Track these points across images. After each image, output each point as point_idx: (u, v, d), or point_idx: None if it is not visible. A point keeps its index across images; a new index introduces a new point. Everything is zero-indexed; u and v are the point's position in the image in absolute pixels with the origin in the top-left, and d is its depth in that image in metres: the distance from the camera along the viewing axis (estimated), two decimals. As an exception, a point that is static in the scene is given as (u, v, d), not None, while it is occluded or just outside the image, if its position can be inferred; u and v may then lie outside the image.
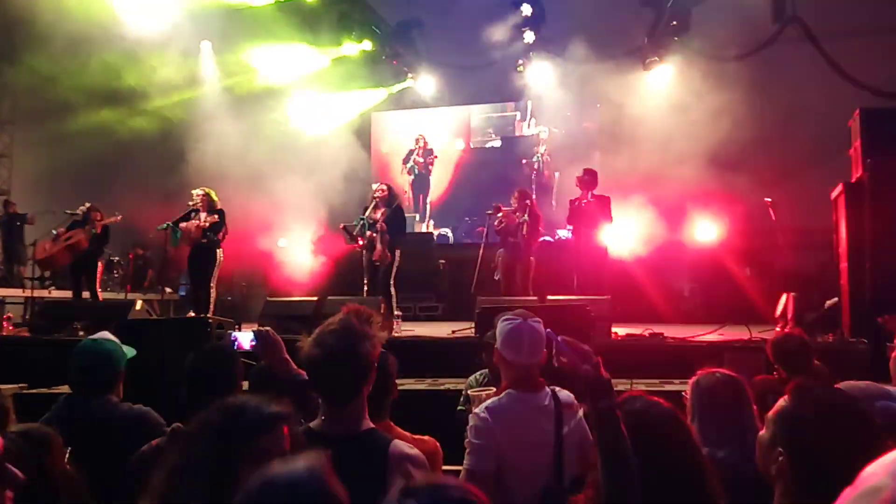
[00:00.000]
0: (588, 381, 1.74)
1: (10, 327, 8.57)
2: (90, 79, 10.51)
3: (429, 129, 14.43)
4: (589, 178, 8.75)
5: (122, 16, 9.99)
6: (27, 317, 9.69)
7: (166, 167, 11.23)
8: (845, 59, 10.52)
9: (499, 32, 12.38)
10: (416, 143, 14.44)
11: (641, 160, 10.61)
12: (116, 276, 12.31)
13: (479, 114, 14.29)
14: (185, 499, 1.34)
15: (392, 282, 8.56)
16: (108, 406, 2.84)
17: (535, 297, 7.56)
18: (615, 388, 1.89)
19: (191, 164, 10.69)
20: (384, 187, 8.75)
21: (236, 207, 10.02)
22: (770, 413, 1.74)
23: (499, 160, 13.93)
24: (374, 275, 8.62)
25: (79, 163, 11.41)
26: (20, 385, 5.81)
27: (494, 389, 2.80)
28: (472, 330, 6.75)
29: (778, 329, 6.46)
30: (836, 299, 6.70)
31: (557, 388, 2.58)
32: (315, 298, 7.76)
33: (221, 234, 8.57)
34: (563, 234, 11.49)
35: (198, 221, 8.47)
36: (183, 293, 12.10)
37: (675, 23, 11.66)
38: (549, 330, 1.89)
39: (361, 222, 8.55)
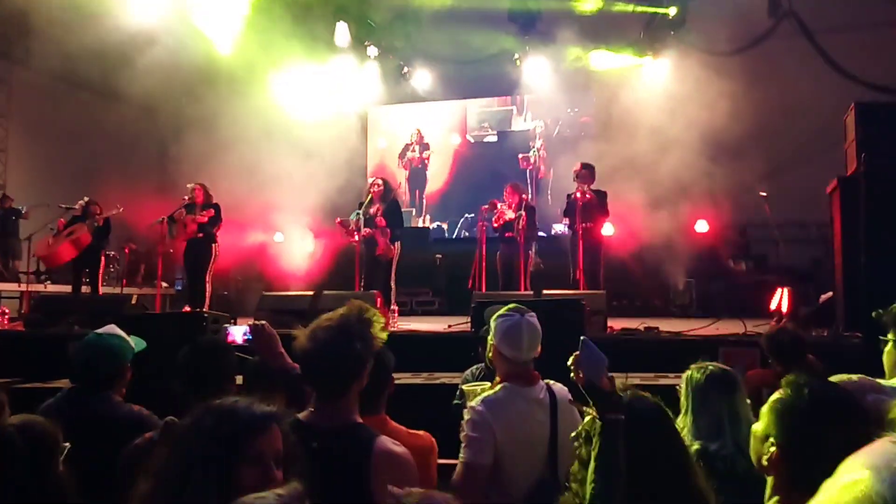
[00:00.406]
0: (600, 394, 1.77)
1: (5, 322, 8.56)
2: (84, 71, 10.48)
3: (425, 123, 14.42)
4: (586, 173, 8.75)
5: (115, 7, 9.95)
6: (23, 311, 9.67)
7: (159, 161, 11.20)
8: (840, 53, 10.54)
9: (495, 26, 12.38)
10: (412, 138, 14.43)
11: (637, 154, 10.62)
12: (113, 270, 12.29)
13: (474, 108, 14.28)
14: None
15: (393, 276, 8.58)
16: (109, 404, 2.80)
17: (531, 292, 7.57)
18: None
19: (184, 158, 10.66)
20: (380, 182, 8.75)
21: (232, 202, 10.01)
22: (764, 406, 1.75)
23: (495, 154, 13.93)
24: (371, 269, 8.62)
25: (73, 157, 11.39)
26: (14, 379, 5.80)
27: (489, 384, 2.81)
28: (469, 324, 6.75)
29: (773, 323, 6.48)
30: (830, 294, 6.72)
31: (552, 382, 2.59)
32: (311, 293, 7.75)
33: (217, 228, 8.56)
34: (560, 228, 11.51)
35: (193, 216, 8.47)
36: (179, 288, 12.10)
37: (671, 17, 11.70)
38: (585, 339, 1.91)
39: (357, 217, 8.55)
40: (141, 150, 12.04)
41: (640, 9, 11.76)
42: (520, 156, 13.73)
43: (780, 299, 6.83)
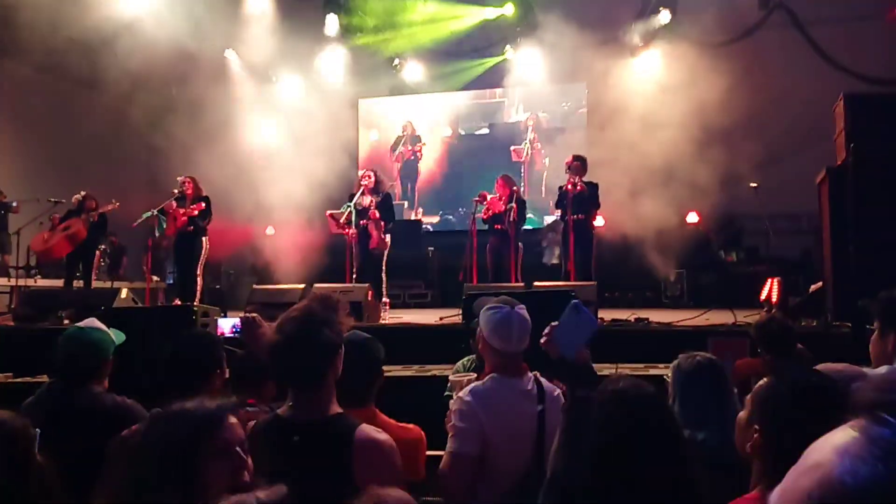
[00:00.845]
0: (573, 369, 1.76)
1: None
2: (73, 66, 10.41)
3: (416, 115, 14.39)
4: (577, 165, 8.76)
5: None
6: (13, 306, 9.62)
7: (149, 154, 11.15)
8: (831, 45, 10.56)
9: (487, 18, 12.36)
10: (404, 131, 14.40)
11: (629, 146, 10.62)
12: (103, 264, 12.24)
13: (466, 100, 14.25)
14: None
15: (384, 268, 8.59)
16: (91, 396, 2.81)
17: (521, 284, 7.58)
18: (599, 373, 1.91)
19: (174, 151, 10.62)
20: (370, 174, 8.74)
21: (223, 195, 9.98)
22: (749, 394, 1.76)
23: (487, 147, 13.91)
24: (362, 262, 8.63)
25: (61, 150, 11.32)
26: (5, 374, 5.79)
27: (476, 375, 2.81)
28: (460, 317, 6.76)
29: (763, 313, 6.51)
30: (820, 284, 6.76)
31: (539, 374, 2.59)
32: (301, 286, 7.75)
33: (207, 221, 8.54)
34: (552, 220, 11.52)
35: (183, 209, 8.44)
36: (171, 281, 12.05)
37: (662, 8, 11.69)
38: (577, 301, 1.88)
39: (349, 209, 8.54)
40: (130, 142, 11.96)
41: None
42: (511, 148, 13.71)
43: (770, 289, 6.87)
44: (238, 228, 11.54)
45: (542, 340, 1.83)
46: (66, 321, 6.98)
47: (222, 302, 10.09)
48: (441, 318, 7.52)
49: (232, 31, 12.01)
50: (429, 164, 14.27)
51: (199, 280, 8.57)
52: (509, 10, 12.58)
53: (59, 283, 9.73)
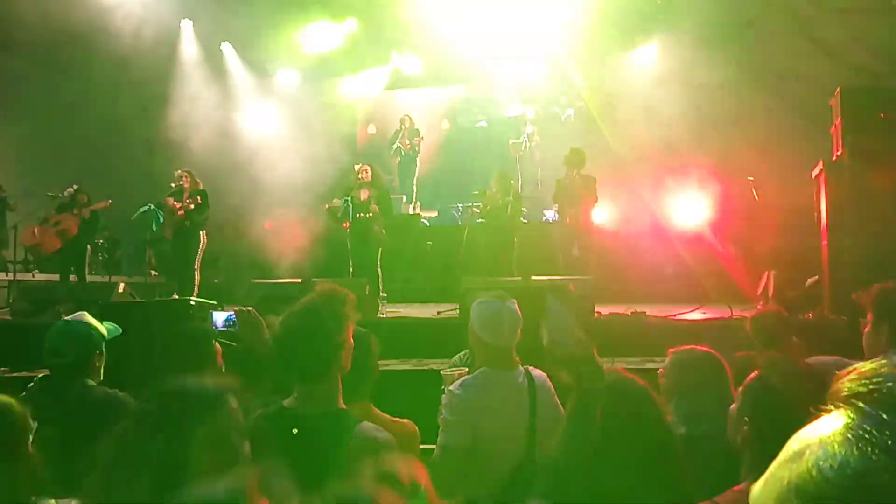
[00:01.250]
0: (579, 363, 1.76)
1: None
2: (69, 60, 10.39)
3: (414, 109, 14.34)
4: (575, 158, 8.75)
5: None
6: (10, 300, 9.62)
7: (146, 147, 11.13)
8: (828, 37, 10.53)
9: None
10: (402, 124, 14.35)
11: (626, 139, 10.63)
12: (100, 259, 12.22)
13: (464, 94, 14.21)
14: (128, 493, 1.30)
15: (379, 262, 8.59)
16: (81, 389, 2.81)
17: (518, 277, 7.59)
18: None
19: (172, 145, 10.60)
20: (367, 168, 8.72)
21: (221, 189, 9.97)
22: (741, 387, 1.77)
23: (485, 140, 13.89)
24: (360, 256, 8.62)
25: (59, 144, 11.30)
26: (1, 369, 5.79)
27: (466, 369, 2.81)
28: (457, 311, 6.77)
29: (759, 307, 6.51)
30: (816, 277, 6.76)
31: (531, 367, 2.60)
32: (300, 280, 7.75)
33: (205, 215, 8.53)
34: (549, 214, 11.52)
35: (181, 203, 8.43)
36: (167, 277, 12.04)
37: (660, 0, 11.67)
38: (551, 297, 1.89)
39: (346, 204, 8.53)
40: (127, 135, 11.93)
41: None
42: (510, 142, 13.69)
43: (766, 283, 6.87)
44: (236, 222, 11.53)
45: (544, 342, 1.85)
46: (63, 316, 6.98)
47: (220, 296, 10.09)
48: (439, 312, 7.53)
49: (228, 24, 11.98)
50: (427, 157, 14.23)
51: (197, 274, 8.56)
52: None
53: (57, 278, 9.72)
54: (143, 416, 1.45)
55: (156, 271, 11.92)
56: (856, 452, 0.59)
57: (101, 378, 2.99)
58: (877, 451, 0.59)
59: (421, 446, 2.63)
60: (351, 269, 8.60)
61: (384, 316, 7.57)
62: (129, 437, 1.41)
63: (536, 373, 2.59)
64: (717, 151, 10.24)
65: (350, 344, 2.16)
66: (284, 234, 11.66)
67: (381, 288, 8.44)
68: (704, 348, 2.67)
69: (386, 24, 13.28)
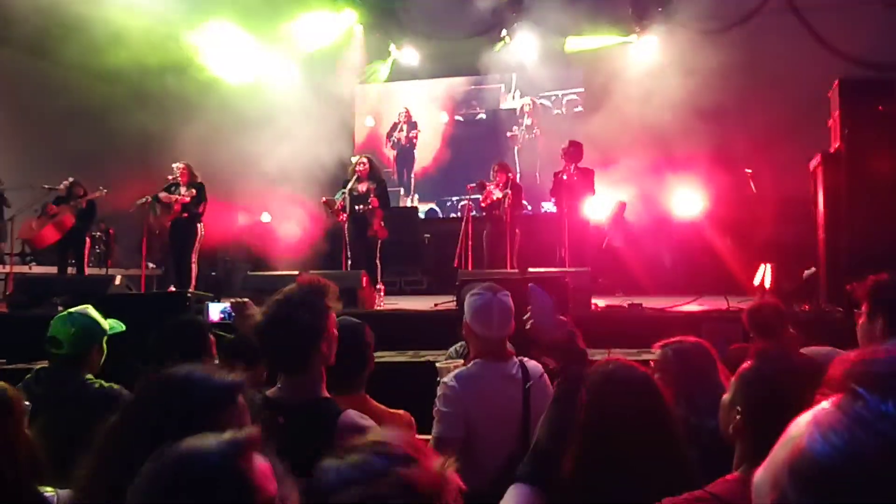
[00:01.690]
0: (562, 348, 1.77)
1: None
2: (67, 53, 10.35)
3: (412, 101, 14.33)
4: (573, 151, 8.75)
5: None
6: (7, 293, 9.63)
7: (144, 140, 11.11)
8: (827, 29, 10.52)
9: (483, 3, 12.26)
10: (400, 117, 14.34)
11: (624, 132, 10.61)
12: (98, 251, 12.21)
13: (463, 86, 14.19)
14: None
15: (378, 255, 8.59)
16: (78, 382, 2.81)
17: (516, 270, 7.59)
18: (593, 359, 1.93)
19: (169, 137, 10.58)
20: (365, 160, 8.72)
21: (218, 181, 9.96)
22: (733, 377, 1.78)
23: (483, 133, 13.87)
24: (357, 248, 8.62)
25: (55, 137, 11.27)
26: (-1, 361, 5.80)
27: (462, 361, 2.82)
28: (454, 303, 6.77)
29: (756, 299, 6.52)
30: (813, 269, 6.77)
31: (525, 358, 2.61)
32: (296, 273, 7.74)
33: (202, 207, 8.53)
34: (548, 206, 11.52)
35: (178, 195, 8.43)
36: (163, 268, 12.04)
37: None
38: (532, 285, 1.90)
39: (343, 196, 8.53)
40: (125, 129, 11.91)
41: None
42: (508, 134, 13.69)
43: (763, 275, 6.89)
44: (234, 214, 11.51)
45: (527, 327, 1.86)
46: (60, 308, 6.98)
47: (218, 289, 10.10)
48: (436, 305, 7.53)
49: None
50: (425, 150, 14.23)
51: (194, 267, 8.56)
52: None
53: (54, 270, 9.72)
54: (142, 407, 1.37)
55: (152, 263, 11.91)
56: (847, 433, 0.60)
57: (99, 372, 3.00)
58: (867, 431, 0.60)
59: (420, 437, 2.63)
60: (349, 262, 8.61)
61: (381, 308, 7.58)
62: (125, 430, 1.35)
63: (531, 364, 2.60)
64: (715, 143, 10.23)
65: (333, 334, 2.16)
66: (281, 226, 11.67)
67: (378, 280, 8.44)
68: (693, 339, 2.68)
69: (384, 15, 13.26)
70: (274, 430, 1.99)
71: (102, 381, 2.87)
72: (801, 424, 0.65)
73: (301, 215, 11.54)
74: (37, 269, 10.73)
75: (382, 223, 8.56)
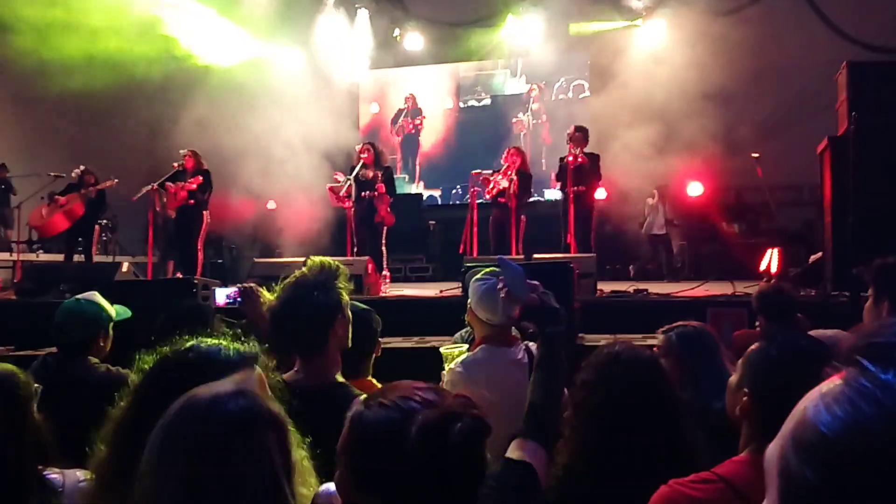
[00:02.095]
0: (536, 310, 1.78)
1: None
2: (68, 39, 10.34)
3: (417, 88, 14.28)
4: (579, 136, 8.71)
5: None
6: (15, 280, 9.68)
7: (150, 129, 11.12)
8: (835, 12, 10.44)
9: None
10: (405, 103, 14.31)
11: (631, 116, 10.57)
12: (105, 238, 12.26)
13: (468, 72, 14.13)
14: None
15: (383, 242, 8.59)
16: (85, 367, 2.84)
17: (521, 256, 7.59)
18: (599, 343, 1.94)
19: (175, 126, 10.58)
20: (369, 146, 8.70)
21: (224, 168, 9.97)
22: (741, 359, 1.78)
23: (489, 119, 13.83)
24: (363, 235, 8.63)
25: (62, 125, 11.30)
26: (7, 347, 5.84)
27: (466, 347, 2.83)
28: (460, 289, 6.78)
29: (762, 284, 6.51)
30: (820, 254, 6.75)
31: (531, 343, 2.61)
32: (303, 259, 7.75)
33: (207, 195, 8.54)
34: (552, 193, 11.49)
35: (183, 183, 8.44)
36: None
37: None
38: (500, 256, 1.91)
39: (348, 182, 8.52)
40: (131, 117, 11.93)
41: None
42: (514, 120, 13.65)
43: (770, 260, 6.87)
44: (240, 201, 11.52)
45: (501, 296, 1.89)
46: (67, 295, 7.01)
47: (224, 276, 10.13)
48: (441, 291, 7.54)
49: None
50: (430, 136, 14.20)
51: (200, 254, 8.59)
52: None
53: (61, 257, 9.77)
54: (157, 386, 1.33)
55: (157, 250, 11.95)
56: (848, 403, 0.61)
57: (106, 357, 3.03)
58: (868, 401, 0.60)
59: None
60: (355, 248, 8.61)
61: (386, 294, 7.59)
62: (140, 410, 1.32)
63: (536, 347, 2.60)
64: (722, 127, 10.18)
65: (346, 316, 2.17)
66: (286, 213, 11.68)
67: (384, 266, 8.45)
68: (695, 323, 2.68)
69: (389, 0, 13.19)
70: (292, 414, 2.01)
71: (109, 366, 2.90)
72: (809, 397, 0.66)
73: (306, 202, 11.55)
74: (44, 257, 10.78)
75: (389, 209, 8.56)
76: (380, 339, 2.78)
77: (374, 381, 2.61)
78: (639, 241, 10.65)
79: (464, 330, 4.27)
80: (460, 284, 6.77)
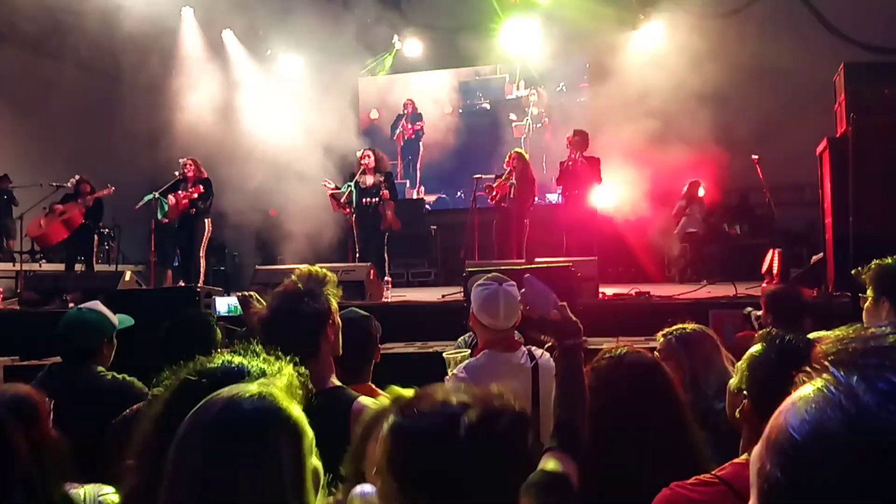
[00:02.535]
0: (555, 324, 1.80)
1: (0, 301, 8.59)
2: (74, 51, 10.40)
3: (416, 93, 14.31)
4: (579, 139, 8.73)
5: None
6: (18, 290, 9.70)
7: (150, 136, 11.14)
8: (832, 13, 10.46)
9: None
10: (404, 109, 14.33)
11: (630, 119, 10.59)
12: (106, 247, 12.29)
13: (467, 77, 14.16)
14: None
15: (385, 247, 8.61)
16: (91, 375, 2.87)
17: (523, 260, 7.60)
18: (601, 347, 1.95)
19: (176, 134, 10.61)
20: (370, 153, 8.72)
21: (225, 176, 9.99)
22: (740, 362, 1.79)
23: (488, 124, 13.85)
24: (365, 241, 8.64)
25: (62, 134, 11.33)
26: (12, 357, 5.85)
27: (469, 352, 2.84)
28: (462, 294, 6.79)
29: (764, 285, 6.52)
30: (821, 255, 6.76)
31: (533, 347, 2.62)
32: (304, 266, 7.77)
33: (209, 203, 8.57)
34: (553, 197, 11.50)
35: (185, 192, 8.46)
36: (176, 264, 12.11)
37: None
38: (527, 275, 1.94)
39: (350, 188, 8.54)
40: (131, 125, 11.96)
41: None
42: (514, 124, 13.67)
43: (771, 261, 6.87)
44: (242, 209, 11.54)
45: (523, 310, 1.92)
46: (70, 304, 7.04)
47: (227, 283, 10.15)
48: (444, 296, 7.55)
49: (228, 11, 11.94)
50: (430, 141, 14.21)
51: (202, 262, 8.61)
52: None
53: (62, 267, 9.79)
54: (184, 405, 1.25)
55: (156, 259, 11.98)
56: (815, 408, 0.63)
57: (110, 365, 3.05)
58: (832, 406, 0.62)
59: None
60: (357, 254, 8.63)
61: (389, 300, 7.60)
62: (168, 429, 1.23)
63: (539, 353, 2.61)
64: (721, 129, 10.20)
65: (336, 322, 2.19)
66: (288, 220, 11.69)
67: (386, 272, 8.46)
68: (693, 325, 2.69)
69: (388, 7, 13.22)
70: None
71: (115, 373, 2.92)
72: (786, 401, 0.68)
73: (308, 209, 11.57)
74: (46, 267, 10.80)
75: (393, 214, 8.60)
76: (379, 346, 2.79)
77: (374, 386, 2.63)
78: (641, 244, 10.63)
79: (466, 335, 4.28)
80: (462, 289, 6.79)
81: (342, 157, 11.40)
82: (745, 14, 11.03)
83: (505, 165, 8.84)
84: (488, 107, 14.06)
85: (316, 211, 11.19)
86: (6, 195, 11.47)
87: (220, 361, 1.41)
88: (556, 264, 6.53)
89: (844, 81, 6.26)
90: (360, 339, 2.53)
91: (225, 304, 2.71)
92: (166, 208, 8.47)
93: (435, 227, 12.50)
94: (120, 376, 2.92)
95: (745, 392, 1.68)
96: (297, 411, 1.15)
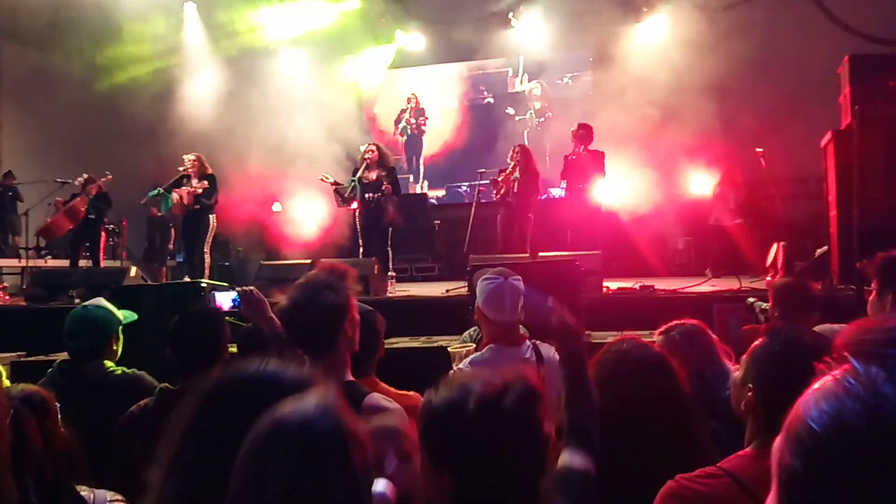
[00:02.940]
0: (557, 330, 1.82)
1: (6, 297, 8.62)
2: (77, 46, 10.41)
3: (420, 87, 14.29)
4: (583, 133, 8.72)
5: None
6: (24, 286, 9.73)
7: (155, 132, 11.17)
8: (836, 5, 10.41)
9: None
10: (408, 103, 14.32)
11: (634, 112, 10.56)
12: (112, 243, 12.32)
13: (470, 71, 14.14)
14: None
15: (389, 242, 8.61)
16: (100, 371, 2.90)
17: (527, 254, 7.60)
18: (605, 341, 1.97)
19: (181, 130, 10.62)
20: (373, 147, 8.71)
21: (229, 171, 10.00)
22: (745, 354, 1.80)
23: (492, 117, 13.83)
24: (369, 236, 8.64)
25: (68, 131, 11.35)
26: (18, 353, 5.87)
27: (474, 346, 2.85)
28: (466, 288, 6.79)
29: (769, 278, 6.52)
30: (826, 247, 6.74)
31: (538, 342, 2.63)
32: (309, 261, 7.79)
33: (213, 199, 8.58)
34: (557, 191, 11.49)
35: (189, 188, 8.47)
36: (181, 259, 12.15)
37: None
38: (527, 289, 1.97)
39: (353, 183, 8.54)
40: (137, 122, 11.98)
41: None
42: (517, 118, 13.65)
43: (776, 254, 6.86)
44: (246, 205, 11.57)
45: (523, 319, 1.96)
46: (76, 300, 7.06)
47: (232, 279, 10.17)
48: (448, 291, 7.55)
49: (230, 5, 11.94)
50: (433, 136, 14.21)
51: (207, 257, 8.62)
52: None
53: (68, 263, 9.82)
54: (221, 413, 1.21)
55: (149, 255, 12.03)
56: (834, 400, 0.64)
57: (118, 360, 3.08)
58: (852, 398, 0.63)
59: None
60: (361, 249, 8.63)
61: (393, 295, 7.61)
62: (203, 438, 1.20)
63: (544, 347, 2.62)
64: (725, 122, 10.17)
65: (355, 317, 2.20)
66: (292, 215, 11.72)
67: (390, 267, 8.47)
68: (690, 320, 2.69)
69: (391, 0, 13.20)
70: None
71: (124, 368, 2.95)
72: (806, 392, 0.69)
73: (311, 204, 11.58)
74: (52, 263, 10.84)
75: (396, 209, 8.59)
76: (384, 340, 2.80)
77: (378, 380, 2.64)
78: (646, 239, 10.59)
79: (472, 329, 4.29)
80: (466, 283, 6.79)
81: (347, 151, 11.40)
82: (748, 6, 10.98)
83: (509, 160, 8.81)
84: (492, 101, 14.04)
85: (320, 206, 11.22)
86: (11, 191, 11.52)
87: (252, 367, 1.31)
88: (560, 258, 6.53)
89: (849, 73, 6.24)
90: (365, 334, 2.54)
91: (227, 299, 2.71)
92: (171, 204, 8.47)
93: (438, 221, 12.50)
94: (129, 371, 2.95)
95: (749, 385, 1.68)
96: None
